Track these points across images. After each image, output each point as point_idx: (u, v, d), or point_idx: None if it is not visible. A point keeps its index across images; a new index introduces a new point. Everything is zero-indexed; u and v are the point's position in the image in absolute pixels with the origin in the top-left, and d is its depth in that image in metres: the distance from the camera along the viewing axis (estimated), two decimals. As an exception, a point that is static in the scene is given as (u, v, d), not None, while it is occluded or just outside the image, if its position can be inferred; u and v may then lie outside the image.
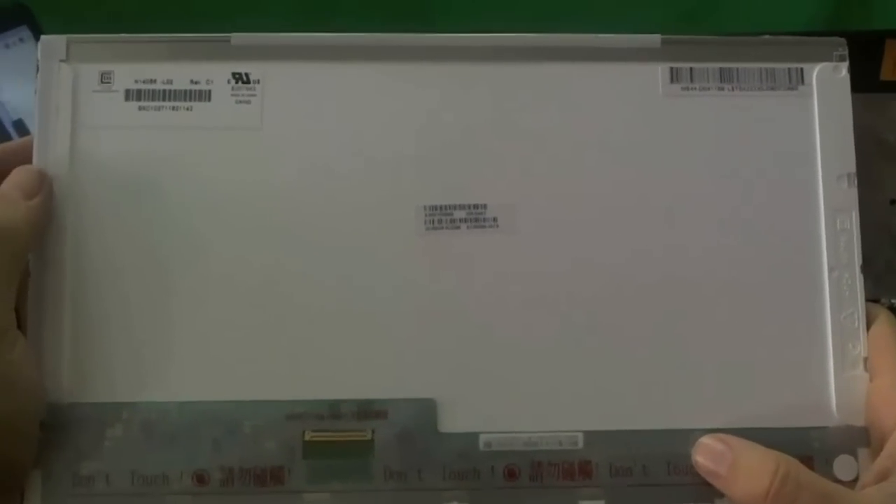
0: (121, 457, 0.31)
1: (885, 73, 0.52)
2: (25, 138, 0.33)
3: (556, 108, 0.34)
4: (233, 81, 0.33)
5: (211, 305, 0.32)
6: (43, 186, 0.31)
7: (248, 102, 0.33)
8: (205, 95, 0.33)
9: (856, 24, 0.68)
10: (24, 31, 0.80)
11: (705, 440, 0.31)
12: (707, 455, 0.31)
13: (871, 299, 0.34)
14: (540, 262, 0.33)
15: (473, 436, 0.32)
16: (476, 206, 0.33)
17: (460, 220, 0.33)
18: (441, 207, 0.33)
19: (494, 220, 0.33)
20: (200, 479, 0.32)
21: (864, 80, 0.49)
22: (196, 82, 0.33)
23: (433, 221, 0.33)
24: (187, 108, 0.33)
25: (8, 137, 0.77)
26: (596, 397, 0.32)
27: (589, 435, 0.32)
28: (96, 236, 0.32)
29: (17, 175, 0.31)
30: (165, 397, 0.32)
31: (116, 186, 0.33)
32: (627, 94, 0.34)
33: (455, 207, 0.33)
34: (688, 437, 0.32)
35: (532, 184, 0.33)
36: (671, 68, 0.34)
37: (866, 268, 0.34)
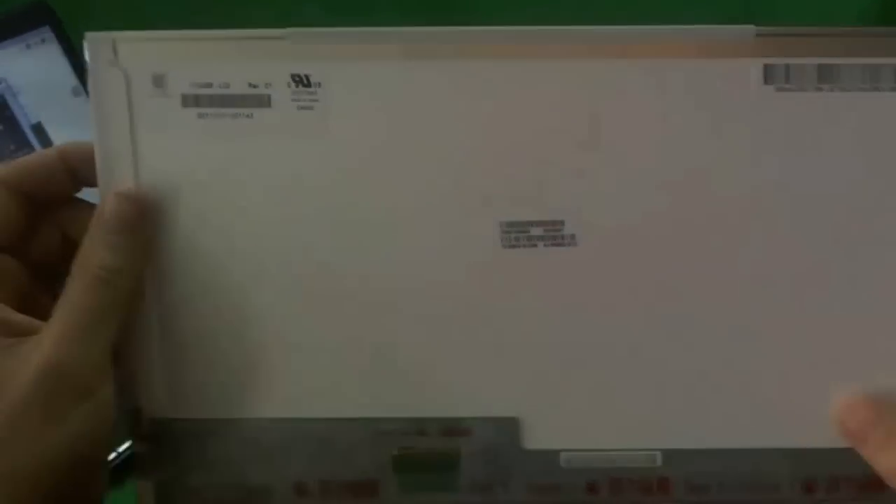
0: (226, 469, 0.34)
1: None
2: (60, 147, 0.33)
3: (635, 113, 0.32)
4: (293, 85, 0.32)
5: (296, 330, 0.33)
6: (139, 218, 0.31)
7: (311, 108, 0.32)
8: (265, 101, 0.32)
9: None
10: (47, 32, 0.79)
11: (850, 401, 0.31)
12: (854, 417, 0.31)
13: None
14: (619, 280, 0.33)
15: (555, 453, 0.34)
16: (553, 223, 0.33)
17: (537, 238, 0.33)
18: (518, 224, 0.32)
19: (572, 237, 0.32)
20: (301, 490, 0.35)
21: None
22: (254, 86, 0.31)
23: (510, 239, 0.33)
24: (248, 116, 0.32)
25: (26, 141, 0.80)
26: (674, 415, 0.34)
27: (667, 453, 0.34)
28: (181, 255, 0.33)
29: (115, 205, 0.31)
30: (263, 414, 0.34)
31: (188, 200, 0.32)
32: (715, 94, 0.32)
33: (532, 224, 0.33)
34: (764, 456, 0.34)
35: (612, 198, 0.32)
36: (765, 65, 0.32)
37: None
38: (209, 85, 0.32)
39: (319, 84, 0.32)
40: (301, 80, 0.32)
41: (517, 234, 0.33)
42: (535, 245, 0.33)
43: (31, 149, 0.78)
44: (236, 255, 0.33)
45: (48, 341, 0.28)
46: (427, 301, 0.33)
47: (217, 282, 0.33)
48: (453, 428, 0.34)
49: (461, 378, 0.34)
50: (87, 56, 0.32)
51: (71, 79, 0.87)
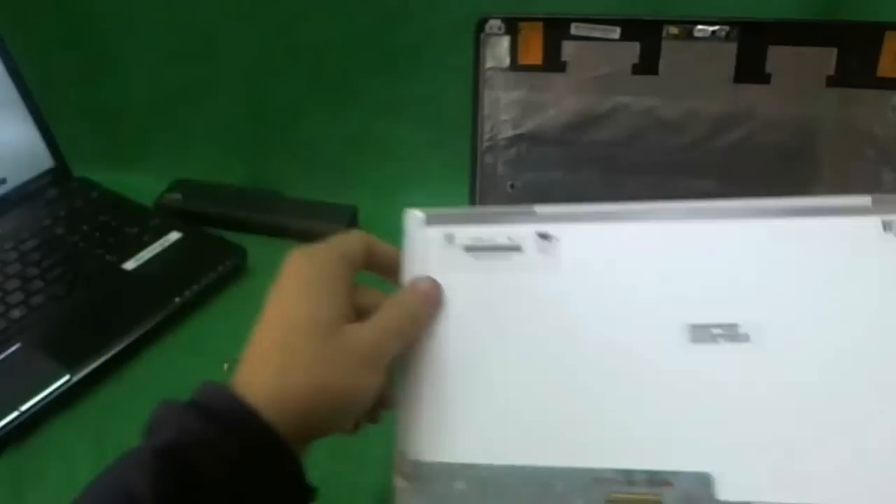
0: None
1: (883, 70, 0.61)
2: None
3: (780, 260, 0.46)
4: (538, 239, 0.48)
5: (531, 395, 0.45)
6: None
7: (550, 254, 0.48)
8: (518, 249, 0.48)
9: (851, 13, 0.74)
10: None
11: None
12: None
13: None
14: (790, 372, 0.44)
15: (746, 504, 0.43)
16: (730, 325, 0.45)
17: (718, 336, 0.45)
18: (702, 326, 0.45)
19: (746, 336, 0.45)
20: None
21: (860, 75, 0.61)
22: (511, 239, 0.48)
23: (695, 338, 0.45)
24: (506, 259, 0.48)
25: None
26: (856, 473, 0.41)
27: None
28: (455, 334, 0.47)
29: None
30: (496, 460, 0.44)
31: (464, 308, 0.48)
32: (843, 245, 0.45)
33: (713, 326, 0.45)
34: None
35: (773, 315, 0.45)
36: (882, 221, 0.46)
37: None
38: (480, 239, 0.49)
39: (558, 238, 0.48)
40: (544, 236, 0.49)
41: (701, 333, 0.45)
42: (716, 341, 0.45)
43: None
44: (491, 341, 0.47)
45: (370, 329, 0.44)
46: (638, 382, 0.45)
47: (477, 358, 0.46)
48: (657, 479, 0.43)
49: (665, 438, 0.44)
50: (405, 224, 0.51)
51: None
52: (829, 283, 0.45)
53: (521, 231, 0.48)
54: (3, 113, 0.89)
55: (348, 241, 0.48)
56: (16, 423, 0.69)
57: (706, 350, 0.45)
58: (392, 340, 0.45)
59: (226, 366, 0.72)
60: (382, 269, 0.49)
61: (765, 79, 0.63)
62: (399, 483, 0.45)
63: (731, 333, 0.45)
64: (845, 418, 0.43)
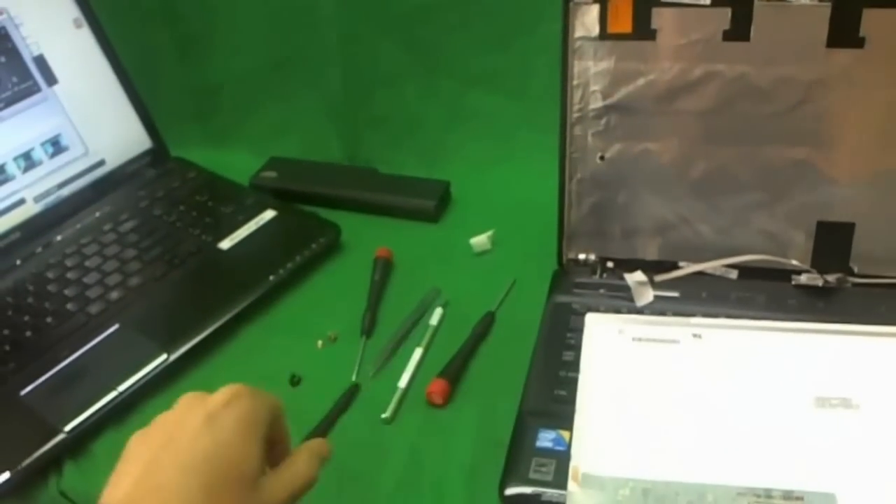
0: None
1: None
2: None
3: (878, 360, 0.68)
4: (692, 337, 0.71)
5: (687, 431, 0.65)
6: None
7: (702, 346, 0.71)
8: (676, 342, 0.71)
9: None
10: None
11: None
12: None
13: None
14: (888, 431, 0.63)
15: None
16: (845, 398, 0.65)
17: (836, 404, 0.66)
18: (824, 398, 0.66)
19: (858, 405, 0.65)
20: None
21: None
22: (670, 335, 0.71)
23: (819, 405, 0.66)
24: (665, 348, 0.71)
25: (28, 74, 0.95)
26: None
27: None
28: (619, 387, 0.69)
29: None
30: (655, 477, 0.61)
31: (631, 372, 0.69)
32: None
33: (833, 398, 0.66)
34: None
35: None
36: None
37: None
38: (645, 334, 0.72)
39: (702, 336, 0.71)
40: (696, 335, 0.71)
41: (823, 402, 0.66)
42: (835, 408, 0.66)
43: (34, 81, 0.96)
44: (651, 393, 0.68)
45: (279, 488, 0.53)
46: (777, 430, 0.64)
47: (644, 406, 0.67)
48: (791, 495, 0.59)
49: (798, 466, 0.61)
50: (586, 323, 0.74)
51: (73, 10, 1.01)
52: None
53: (679, 330, 0.72)
54: (102, 96, 1.01)
55: (270, 399, 0.55)
56: (114, 402, 0.77)
57: (827, 413, 0.65)
58: (292, 500, 0.53)
59: (320, 343, 0.82)
60: (276, 440, 0.55)
61: (859, 43, 0.68)
62: (572, 488, 0.61)
63: (846, 403, 0.65)
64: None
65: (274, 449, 0.55)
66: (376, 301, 0.87)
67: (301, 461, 0.54)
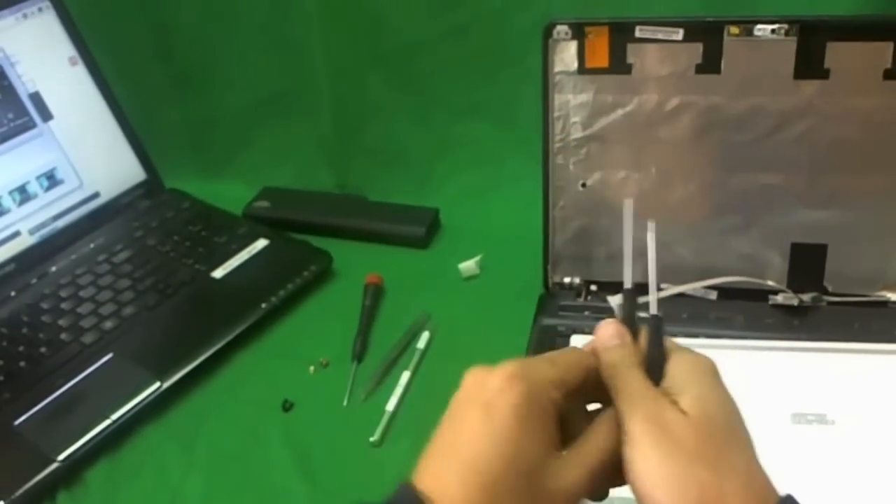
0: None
1: None
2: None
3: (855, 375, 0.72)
4: None
5: None
6: None
7: None
8: None
9: None
10: (43, 1, 1.00)
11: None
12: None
13: None
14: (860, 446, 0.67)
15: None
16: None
17: (812, 420, 0.70)
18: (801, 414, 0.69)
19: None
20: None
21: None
22: None
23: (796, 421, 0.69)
24: None
25: (24, 111, 1.00)
26: None
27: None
28: None
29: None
30: None
31: None
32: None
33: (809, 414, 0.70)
34: None
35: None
36: None
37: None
38: None
39: None
40: None
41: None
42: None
43: (29, 117, 1.00)
44: None
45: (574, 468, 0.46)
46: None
47: None
48: None
49: (776, 480, 0.55)
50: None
51: (68, 48, 1.06)
52: (884, 394, 0.70)
53: None
54: (97, 130, 1.05)
55: (566, 363, 0.48)
56: (108, 431, 0.79)
57: (804, 429, 0.68)
58: (595, 480, 0.46)
59: (311, 368, 0.86)
60: (601, 393, 0.48)
61: (824, 74, 0.74)
62: None
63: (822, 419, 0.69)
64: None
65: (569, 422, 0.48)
66: (367, 326, 0.90)
67: (600, 433, 0.47)
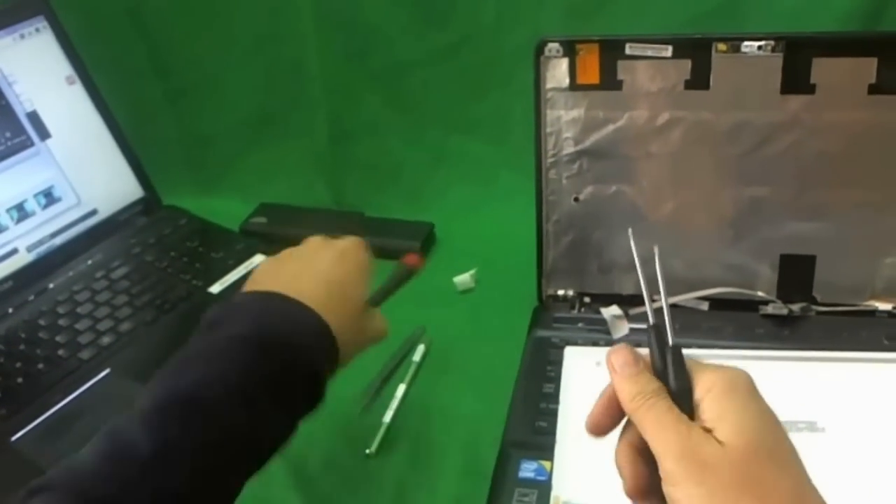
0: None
1: None
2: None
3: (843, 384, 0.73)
4: None
5: None
6: None
7: None
8: None
9: (891, 24, 0.85)
10: (41, 22, 1.02)
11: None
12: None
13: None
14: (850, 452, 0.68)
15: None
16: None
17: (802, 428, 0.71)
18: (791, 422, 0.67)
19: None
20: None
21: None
22: None
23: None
24: None
25: (22, 130, 1.01)
26: None
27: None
28: None
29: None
30: None
31: None
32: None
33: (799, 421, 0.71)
34: None
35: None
36: None
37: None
38: None
39: None
40: None
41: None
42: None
43: (27, 136, 1.01)
44: None
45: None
46: None
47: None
48: None
49: None
50: (565, 360, 0.78)
51: (66, 68, 1.08)
52: (873, 401, 0.71)
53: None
54: (94, 148, 1.06)
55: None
56: None
57: (794, 437, 0.64)
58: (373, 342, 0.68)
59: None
60: None
61: (810, 89, 0.75)
62: None
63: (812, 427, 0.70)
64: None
65: None
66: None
67: (380, 318, 0.69)
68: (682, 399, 0.45)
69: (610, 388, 0.48)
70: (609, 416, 0.48)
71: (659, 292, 0.50)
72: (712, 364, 0.47)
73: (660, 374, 0.46)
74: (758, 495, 0.42)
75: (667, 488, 0.43)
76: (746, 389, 0.45)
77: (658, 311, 0.49)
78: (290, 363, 0.56)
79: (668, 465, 0.43)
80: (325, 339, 0.59)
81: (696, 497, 0.42)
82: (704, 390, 0.45)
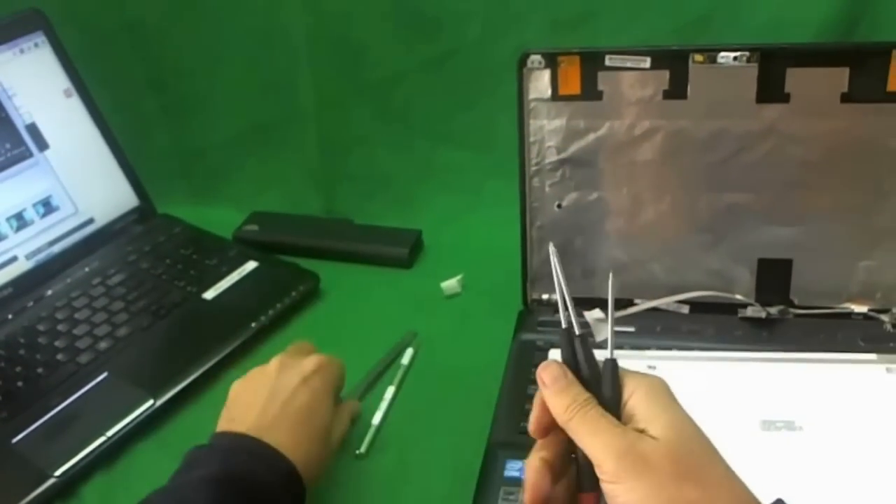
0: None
1: (893, 85, 0.73)
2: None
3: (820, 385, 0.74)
4: (646, 368, 0.75)
5: None
6: None
7: None
8: None
9: (863, 36, 0.85)
10: (40, 37, 1.04)
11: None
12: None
13: None
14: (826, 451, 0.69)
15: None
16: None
17: (781, 427, 0.70)
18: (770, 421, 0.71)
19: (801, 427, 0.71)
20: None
21: (871, 91, 0.73)
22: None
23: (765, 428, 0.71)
24: None
25: (21, 141, 1.02)
26: None
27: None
28: None
29: None
30: None
31: None
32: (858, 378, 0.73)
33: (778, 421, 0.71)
34: None
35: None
36: (886, 368, 0.74)
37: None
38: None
39: (656, 367, 0.75)
40: (651, 367, 0.75)
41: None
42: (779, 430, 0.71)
43: (26, 147, 1.02)
44: None
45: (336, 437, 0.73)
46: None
47: None
48: None
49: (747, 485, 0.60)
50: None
51: (63, 81, 1.08)
52: (849, 401, 0.72)
53: (635, 363, 0.70)
54: (91, 158, 1.06)
55: (342, 366, 0.74)
56: (104, 446, 0.80)
57: (773, 435, 0.70)
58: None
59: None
60: None
61: (785, 98, 0.76)
62: None
63: (790, 426, 0.70)
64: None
65: None
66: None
67: (345, 413, 0.74)
68: (612, 405, 0.47)
69: (540, 397, 0.50)
70: (546, 421, 0.50)
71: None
72: (630, 370, 0.50)
73: (586, 382, 0.49)
74: (698, 482, 0.44)
75: (609, 487, 0.45)
76: (666, 393, 0.48)
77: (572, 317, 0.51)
78: (255, 500, 0.60)
79: (609, 466, 0.45)
80: (290, 478, 0.63)
81: (640, 490, 0.44)
82: (629, 395, 0.48)
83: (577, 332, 0.51)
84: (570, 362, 0.50)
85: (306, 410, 0.67)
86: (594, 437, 0.46)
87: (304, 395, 0.68)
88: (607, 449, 0.45)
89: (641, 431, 0.46)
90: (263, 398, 0.67)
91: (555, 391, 0.49)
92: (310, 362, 0.71)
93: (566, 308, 0.52)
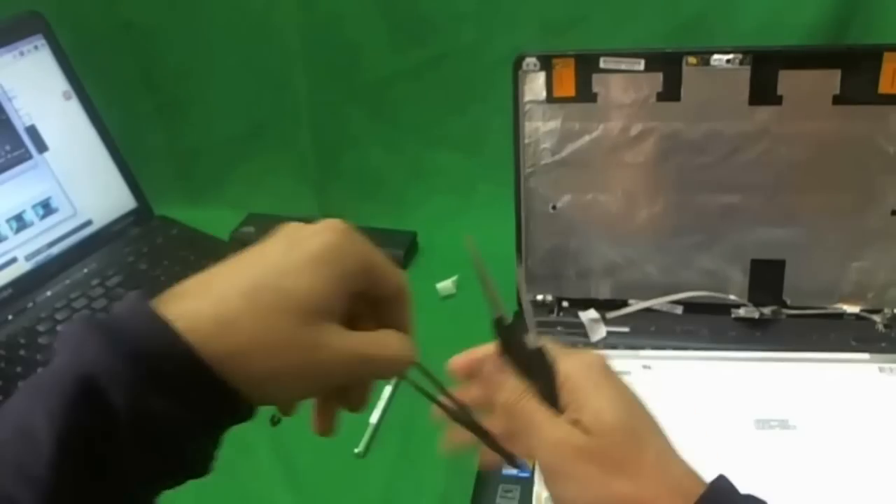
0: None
1: (884, 87, 0.73)
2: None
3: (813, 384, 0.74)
4: (642, 369, 0.76)
5: None
6: None
7: (648, 376, 0.76)
8: (627, 373, 0.59)
9: (854, 38, 0.85)
10: (39, 40, 1.03)
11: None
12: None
13: None
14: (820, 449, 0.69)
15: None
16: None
17: (775, 425, 0.71)
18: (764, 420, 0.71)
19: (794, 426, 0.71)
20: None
21: (862, 93, 0.73)
22: (621, 368, 0.56)
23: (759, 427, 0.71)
24: None
25: (21, 143, 1.01)
26: None
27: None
28: None
29: None
30: None
31: None
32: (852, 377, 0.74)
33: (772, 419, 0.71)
34: None
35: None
36: (879, 367, 0.74)
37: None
38: None
39: (651, 367, 0.77)
40: (646, 367, 0.77)
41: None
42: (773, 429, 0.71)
43: (26, 149, 1.01)
44: None
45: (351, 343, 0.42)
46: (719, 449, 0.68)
47: None
48: None
49: (741, 483, 0.54)
50: None
51: (62, 84, 1.08)
52: (842, 400, 0.72)
53: (630, 363, 0.74)
54: (89, 161, 1.05)
55: (365, 248, 0.46)
56: None
57: (767, 434, 0.70)
58: (362, 369, 0.45)
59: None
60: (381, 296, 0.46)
61: (777, 100, 0.75)
62: None
63: (784, 424, 0.70)
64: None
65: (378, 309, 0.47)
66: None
67: (393, 336, 0.46)
68: (548, 394, 0.46)
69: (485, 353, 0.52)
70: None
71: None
72: (566, 350, 0.48)
73: (524, 373, 0.47)
74: (627, 474, 0.43)
75: (548, 485, 0.45)
76: (598, 371, 0.46)
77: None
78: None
79: (543, 463, 0.45)
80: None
81: (572, 489, 0.44)
82: (563, 379, 0.46)
83: (507, 321, 0.50)
84: (507, 353, 0.49)
85: (274, 287, 0.40)
86: (531, 435, 0.45)
87: (269, 265, 0.42)
88: (541, 446, 0.45)
89: (577, 421, 0.44)
90: (224, 266, 0.44)
91: (492, 386, 0.49)
92: (315, 226, 0.44)
93: (493, 299, 0.50)
